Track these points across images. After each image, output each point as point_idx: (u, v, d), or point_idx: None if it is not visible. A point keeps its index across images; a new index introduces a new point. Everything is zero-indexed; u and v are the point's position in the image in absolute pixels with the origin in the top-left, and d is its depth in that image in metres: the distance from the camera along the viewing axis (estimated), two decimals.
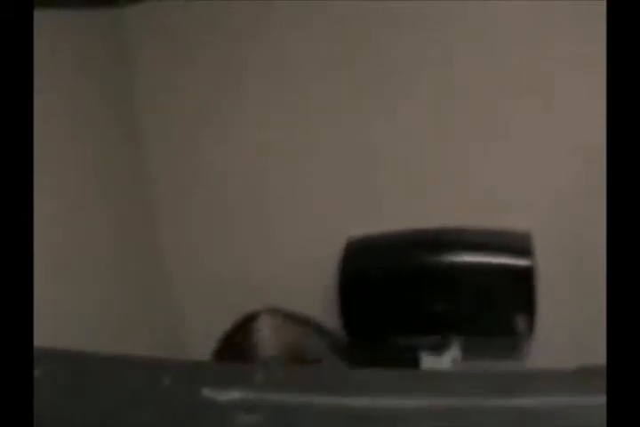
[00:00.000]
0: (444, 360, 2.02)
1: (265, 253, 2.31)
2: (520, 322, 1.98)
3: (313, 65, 2.15)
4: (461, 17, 2.01)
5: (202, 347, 2.22)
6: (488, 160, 2.10)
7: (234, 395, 0.53)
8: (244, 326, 1.37)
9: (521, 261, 1.96)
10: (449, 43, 2.04)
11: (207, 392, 0.53)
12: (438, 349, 2.04)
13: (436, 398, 0.55)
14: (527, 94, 2.03)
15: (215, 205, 2.33)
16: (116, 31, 2.19)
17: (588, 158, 1.98)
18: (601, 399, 0.53)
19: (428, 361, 2.04)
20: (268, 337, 1.33)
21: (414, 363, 2.04)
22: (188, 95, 2.26)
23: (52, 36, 1.78)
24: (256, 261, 2.32)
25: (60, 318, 1.70)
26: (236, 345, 1.34)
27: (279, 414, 0.52)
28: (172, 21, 2.20)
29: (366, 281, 2.09)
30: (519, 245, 2.00)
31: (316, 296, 2.19)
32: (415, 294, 2.05)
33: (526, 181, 2.09)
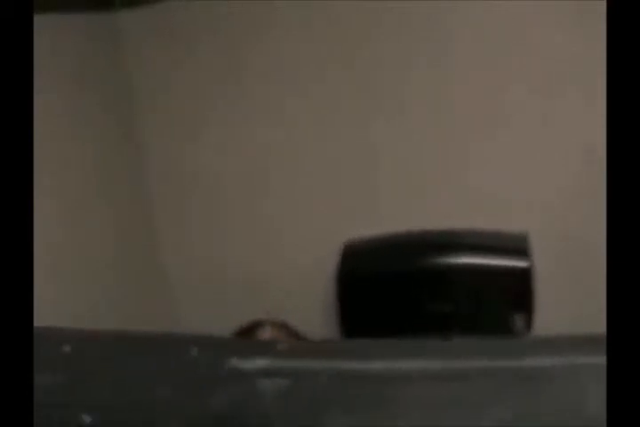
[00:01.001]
0: None
1: (264, 254, 2.31)
2: (518, 323, 1.98)
3: (312, 66, 2.15)
4: (461, 18, 2.02)
5: None
6: (486, 161, 2.10)
7: (258, 363, 0.55)
8: (248, 332, 1.38)
9: (518, 262, 1.96)
10: (448, 43, 2.05)
11: (233, 362, 0.56)
12: None
13: (437, 361, 0.58)
14: (527, 95, 2.03)
15: (214, 206, 2.33)
16: (114, 34, 2.20)
17: (585, 159, 1.98)
18: (600, 359, 0.55)
19: None
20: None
21: None
22: (186, 96, 2.26)
23: (51, 40, 1.79)
24: (255, 263, 2.31)
25: (59, 317, 1.69)
26: None
27: (301, 379, 0.55)
28: (169, 24, 2.21)
29: (365, 282, 2.09)
30: (517, 246, 2.00)
31: (315, 297, 2.19)
32: (414, 296, 2.05)
33: (524, 182, 2.09)
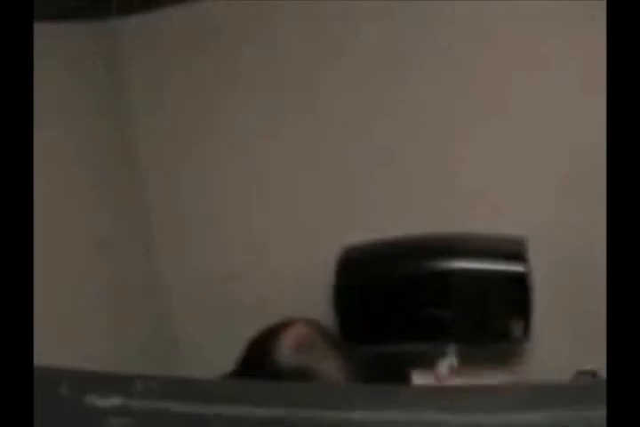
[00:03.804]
0: (440, 367, 2.02)
1: (260, 260, 2.31)
2: (516, 328, 1.97)
3: (306, 77, 2.16)
4: (458, 18, 2.02)
5: (194, 361, 2.23)
6: (484, 166, 2.11)
7: (113, 401, 0.57)
8: (277, 331, 1.36)
9: (516, 267, 1.96)
10: (442, 44, 2.05)
11: (91, 399, 0.58)
12: (434, 355, 2.04)
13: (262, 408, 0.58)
14: (523, 97, 2.04)
15: (210, 214, 2.33)
16: (108, 43, 2.20)
17: (583, 162, 1.99)
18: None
19: (418, 376, 2.05)
20: (289, 346, 1.31)
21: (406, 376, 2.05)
22: (182, 104, 2.27)
23: (45, 48, 1.78)
24: (251, 270, 2.32)
25: (55, 332, 1.69)
26: (263, 349, 1.32)
27: (146, 419, 0.57)
28: (164, 32, 2.21)
29: (362, 289, 2.09)
30: (514, 250, 2.00)
31: (313, 304, 2.18)
32: (410, 301, 2.05)
33: (521, 186, 2.09)
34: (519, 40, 2.00)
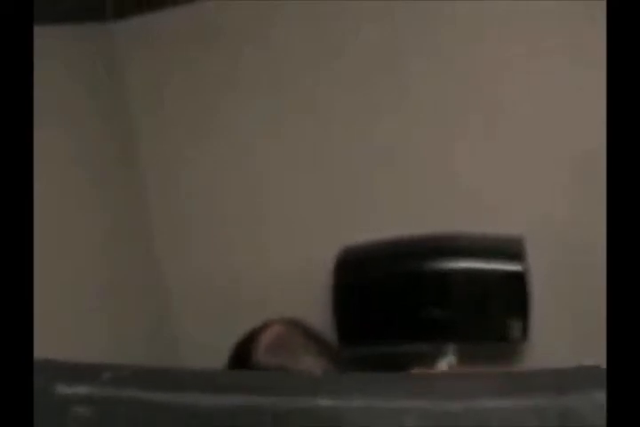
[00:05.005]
0: (439, 367, 2.02)
1: (260, 261, 2.31)
2: (514, 327, 1.98)
3: (306, 75, 2.16)
4: (457, 19, 2.02)
5: (194, 361, 2.22)
6: (481, 165, 2.11)
7: (80, 390, 0.60)
8: (258, 334, 1.37)
9: (514, 266, 1.97)
10: (443, 44, 2.06)
11: (60, 388, 0.60)
12: (433, 355, 2.03)
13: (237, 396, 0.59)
14: (522, 98, 2.04)
15: (210, 214, 2.33)
16: (108, 44, 2.20)
17: (581, 161, 1.99)
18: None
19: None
20: (269, 343, 1.31)
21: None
22: (182, 104, 2.27)
23: (44, 50, 1.78)
24: (251, 270, 2.32)
25: (58, 330, 1.70)
26: (244, 350, 1.33)
27: (108, 408, 0.59)
28: (163, 32, 2.21)
29: (360, 289, 2.09)
30: (512, 249, 2.01)
31: (311, 305, 2.18)
32: (409, 301, 2.05)
33: (519, 185, 2.10)
34: (519, 40, 2.00)
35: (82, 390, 0.60)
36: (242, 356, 1.30)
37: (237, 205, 2.31)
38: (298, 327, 1.46)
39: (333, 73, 2.14)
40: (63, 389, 0.60)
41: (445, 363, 2.03)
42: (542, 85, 2.01)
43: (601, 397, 0.52)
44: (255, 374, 0.73)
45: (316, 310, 2.19)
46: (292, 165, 2.24)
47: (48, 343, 0.93)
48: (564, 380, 0.56)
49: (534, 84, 2.02)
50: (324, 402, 0.55)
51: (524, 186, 2.09)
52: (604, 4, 0.69)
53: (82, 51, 2.09)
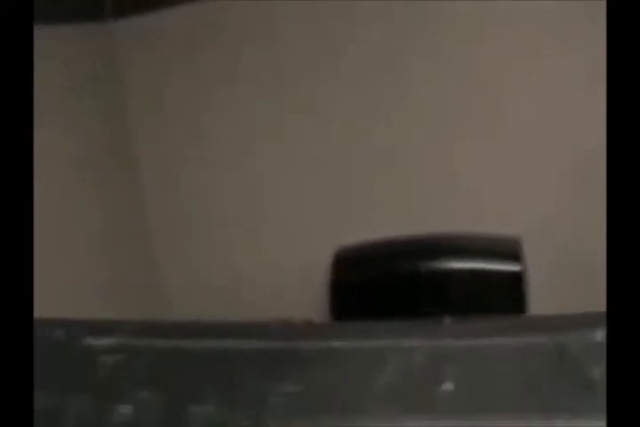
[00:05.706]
0: None
1: (259, 261, 2.31)
2: None
3: (306, 75, 2.16)
4: (458, 19, 2.02)
5: None
6: (479, 166, 2.11)
7: (105, 341, 0.69)
8: None
9: (511, 267, 1.97)
10: (443, 44, 2.06)
11: (88, 340, 0.69)
12: None
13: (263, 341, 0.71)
14: (522, 99, 2.04)
15: (210, 214, 2.33)
16: (108, 44, 2.20)
17: (581, 161, 1.99)
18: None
19: None
20: None
21: None
22: (181, 104, 2.26)
23: (44, 50, 1.78)
24: (251, 270, 2.31)
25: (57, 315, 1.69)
26: None
27: (130, 355, 0.67)
28: (163, 32, 2.21)
29: (357, 288, 2.09)
30: (509, 250, 2.01)
31: (308, 304, 2.19)
32: (406, 301, 2.05)
33: (517, 186, 2.10)
34: (519, 40, 2.00)
35: (107, 341, 0.68)
36: None
37: (237, 205, 2.31)
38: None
39: (333, 73, 2.14)
40: (90, 341, 0.68)
41: None
42: (542, 85, 2.01)
43: (599, 335, 0.57)
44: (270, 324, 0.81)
45: (316, 310, 2.20)
46: (291, 165, 2.24)
47: None
48: (563, 322, 0.60)
49: (534, 84, 2.02)
50: (337, 344, 0.65)
51: (523, 186, 2.09)
52: (603, 4, 0.69)
53: (82, 51, 2.09)
